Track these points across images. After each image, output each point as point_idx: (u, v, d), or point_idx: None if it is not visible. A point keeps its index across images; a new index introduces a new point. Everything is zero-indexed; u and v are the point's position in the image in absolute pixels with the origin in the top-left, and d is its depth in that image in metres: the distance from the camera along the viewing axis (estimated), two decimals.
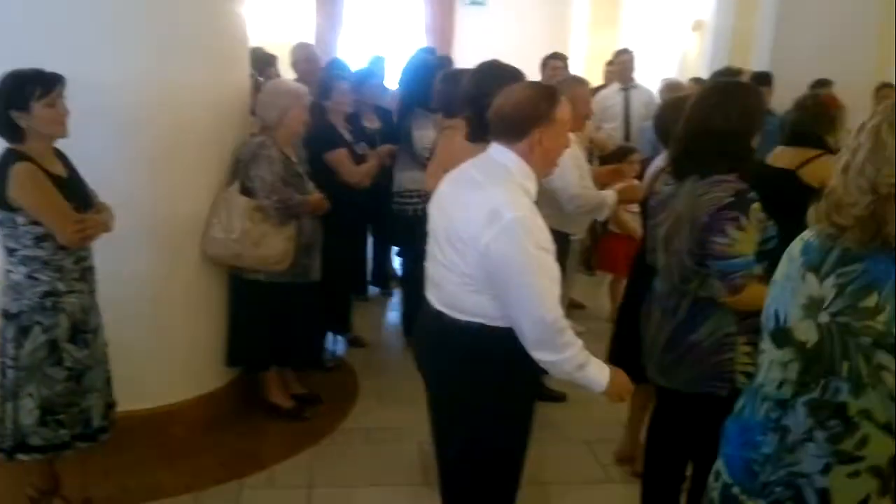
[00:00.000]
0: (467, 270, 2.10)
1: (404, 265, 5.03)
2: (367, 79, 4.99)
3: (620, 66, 6.72)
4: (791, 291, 1.44)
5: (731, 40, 7.88)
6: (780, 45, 7.34)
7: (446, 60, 6.10)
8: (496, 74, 2.93)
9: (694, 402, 2.45)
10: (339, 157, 4.15)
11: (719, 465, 1.61)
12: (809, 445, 1.38)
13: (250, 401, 3.74)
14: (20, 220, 2.47)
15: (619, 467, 3.40)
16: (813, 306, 1.38)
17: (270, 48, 5.92)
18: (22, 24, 3.02)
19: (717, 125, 2.35)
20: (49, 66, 2.54)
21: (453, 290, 2.16)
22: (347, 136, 4.32)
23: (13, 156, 2.47)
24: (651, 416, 2.88)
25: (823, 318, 1.35)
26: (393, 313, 5.46)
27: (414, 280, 4.45)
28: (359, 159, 4.28)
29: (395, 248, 5.56)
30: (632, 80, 6.67)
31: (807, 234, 1.45)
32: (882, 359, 1.28)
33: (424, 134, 4.36)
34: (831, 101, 3.54)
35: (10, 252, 2.53)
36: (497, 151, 2.18)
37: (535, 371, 2.21)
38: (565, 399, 3.91)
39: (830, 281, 1.35)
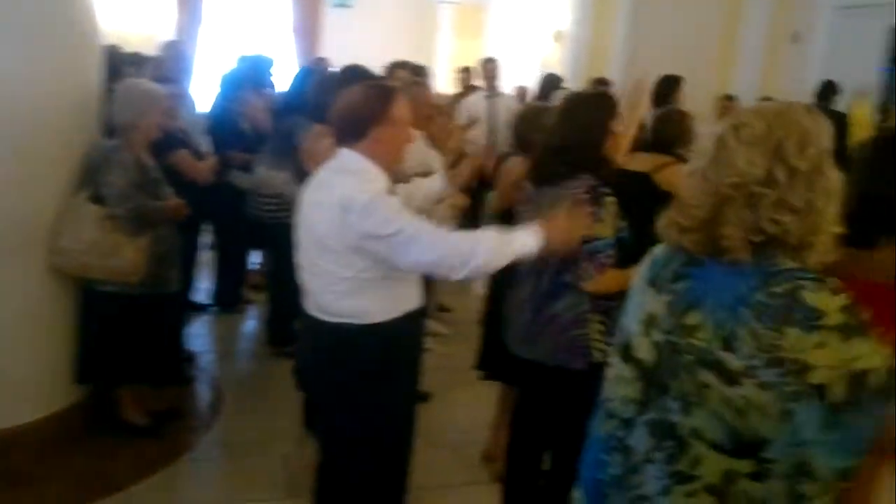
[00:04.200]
0: (339, 271, 2.20)
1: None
2: None
3: (486, 74, 6.86)
4: (636, 306, 1.46)
5: (589, 50, 8.27)
6: (632, 54, 7.82)
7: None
8: (341, 79, 2.98)
9: (553, 376, 2.56)
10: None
11: (577, 494, 1.59)
12: (650, 467, 1.38)
13: (104, 420, 3.54)
14: None
15: (485, 469, 3.47)
16: (650, 322, 1.40)
17: (130, 46, 5.66)
18: None
19: (570, 136, 2.48)
20: None
21: (325, 294, 2.27)
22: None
23: None
24: (513, 407, 2.95)
25: (657, 335, 1.37)
26: (252, 321, 5.32)
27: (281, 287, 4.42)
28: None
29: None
30: (497, 87, 6.83)
31: (656, 249, 1.47)
32: (704, 377, 1.29)
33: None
34: (684, 115, 3.81)
35: None
36: (343, 154, 2.28)
37: (412, 365, 2.43)
38: (428, 399, 3.91)
39: (663, 298, 1.38)
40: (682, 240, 1.35)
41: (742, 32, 8.32)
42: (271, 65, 5.51)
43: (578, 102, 2.69)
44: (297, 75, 4.78)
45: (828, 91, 6.66)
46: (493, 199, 3.90)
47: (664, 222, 1.41)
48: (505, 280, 2.96)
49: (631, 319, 1.47)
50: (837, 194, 1.27)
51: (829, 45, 7.82)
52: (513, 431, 2.91)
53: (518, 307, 2.66)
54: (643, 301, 1.43)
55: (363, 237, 2.13)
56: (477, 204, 5.92)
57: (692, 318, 1.32)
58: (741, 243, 1.26)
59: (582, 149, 2.49)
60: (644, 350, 1.40)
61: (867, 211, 2.27)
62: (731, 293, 1.28)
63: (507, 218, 3.04)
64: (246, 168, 4.69)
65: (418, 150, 3.55)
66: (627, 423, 1.43)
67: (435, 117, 3.93)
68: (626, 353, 1.45)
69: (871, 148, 2.60)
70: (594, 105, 2.60)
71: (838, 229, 1.29)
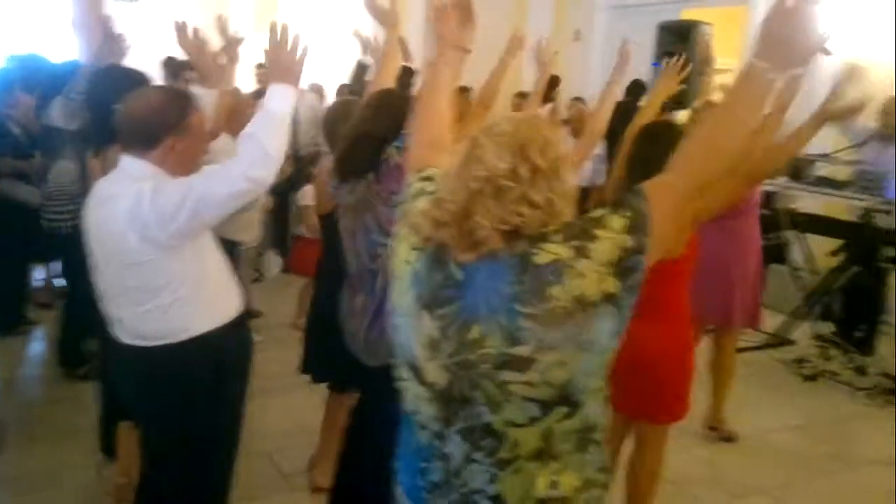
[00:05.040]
0: (148, 283, 2.05)
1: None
2: None
3: None
4: (412, 328, 1.47)
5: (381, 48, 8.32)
6: (429, 52, 7.95)
7: None
8: (116, 79, 2.79)
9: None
10: None
11: (399, 491, 1.60)
12: (473, 466, 1.44)
13: None
14: None
15: (301, 477, 3.38)
16: (433, 347, 1.43)
17: None
18: None
19: (381, 127, 2.49)
20: None
21: (138, 317, 2.11)
22: None
23: None
24: (351, 416, 2.87)
25: (443, 359, 1.42)
26: (37, 343, 4.86)
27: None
28: None
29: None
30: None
31: (412, 257, 1.47)
32: (504, 376, 1.36)
33: None
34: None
35: None
36: (129, 163, 2.10)
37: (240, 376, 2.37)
38: None
39: (436, 323, 1.42)
40: (437, 234, 1.41)
41: (529, 31, 8.75)
42: (47, 64, 5.03)
43: (391, 97, 2.67)
44: (63, 72, 4.39)
45: (637, 89, 7.10)
46: (313, 200, 3.75)
47: (417, 217, 1.47)
48: (331, 286, 2.88)
49: (410, 340, 1.48)
50: (572, 197, 1.42)
51: (608, 43, 8.42)
52: (348, 438, 2.82)
53: (356, 317, 2.60)
54: (419, 324, 1.45)
55: (164, 222, 1.97)
56: (284, 204, 5.82)
57: (474, 333, 1.38)
58: (491, 232, 1.35)
59: (392, 141, 2.48)
60: (434, 374, 1.44)
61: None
62: (497, 297, 1.36)
63: (333, 219, 2.97)
64: (20, 176, 4.29)
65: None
66: (440, 435, 1.47)
67: (243, 112, 3.76)
68: (418, 377, 1.48)
69: (640, 139, 2.83)
70: (406, 102, 2.59)
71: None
